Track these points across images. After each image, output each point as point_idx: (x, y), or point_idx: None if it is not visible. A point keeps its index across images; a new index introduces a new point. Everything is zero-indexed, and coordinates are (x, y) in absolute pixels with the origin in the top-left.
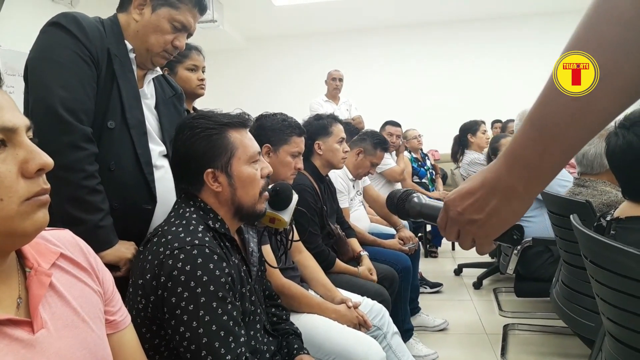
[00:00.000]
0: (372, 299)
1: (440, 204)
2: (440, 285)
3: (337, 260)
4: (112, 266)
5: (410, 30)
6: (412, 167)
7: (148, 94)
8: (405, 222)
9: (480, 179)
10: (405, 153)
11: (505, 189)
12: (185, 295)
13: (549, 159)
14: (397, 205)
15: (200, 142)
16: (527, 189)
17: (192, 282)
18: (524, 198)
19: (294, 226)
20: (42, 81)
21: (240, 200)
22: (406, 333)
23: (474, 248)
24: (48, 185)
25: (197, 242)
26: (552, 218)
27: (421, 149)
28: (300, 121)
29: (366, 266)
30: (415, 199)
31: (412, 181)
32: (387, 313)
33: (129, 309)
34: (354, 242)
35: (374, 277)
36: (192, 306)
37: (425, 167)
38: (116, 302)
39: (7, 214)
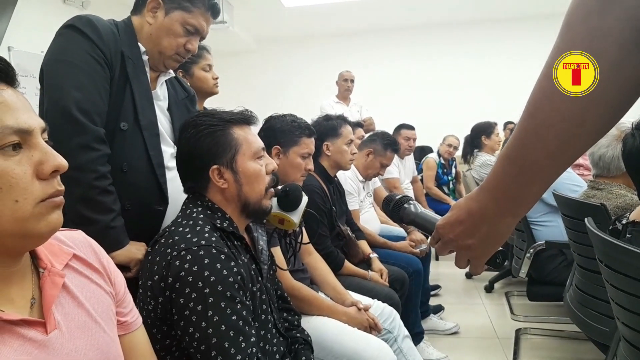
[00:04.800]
0: (383, 301)
1: (434, 217)
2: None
3: (346, 262)
4: (122, 267)
5: (421, 31)
6: (437, 172)
7: (161, 95)
8: None
9: (466, 209)
10: (434, 155)
11: (494, 217)
12: (193, 296)
13: (532, 190)
14: (392, 210)
15: (204, 139)
16: (513, 215)
17: (200, 283)
18: (511, 222)
19: (303, 228)
20: (56, 83)
21: (246, 196)
22: (417, 336)
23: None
24: (62, 187)
25: (203, 242)
26: (565, 221)
27: (450, 158)
28: (310, 122)
29: (377, 267)
30: (412, 208)
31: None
32: (397, 316)
33: (139, 310)
34: (363, 244)
35: (384, 280)
36: (200, 307)
37: (450, 177)
38: (128, 304)
39: (22, 215)
